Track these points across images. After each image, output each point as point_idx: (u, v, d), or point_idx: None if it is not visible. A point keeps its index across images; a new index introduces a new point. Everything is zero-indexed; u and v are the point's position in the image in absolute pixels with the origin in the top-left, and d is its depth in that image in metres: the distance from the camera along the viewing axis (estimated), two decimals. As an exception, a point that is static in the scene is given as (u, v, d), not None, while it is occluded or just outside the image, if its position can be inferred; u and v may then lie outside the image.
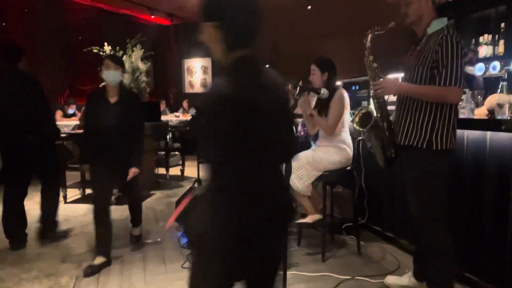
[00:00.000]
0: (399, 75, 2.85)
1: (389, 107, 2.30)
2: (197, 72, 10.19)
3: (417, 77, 2.02)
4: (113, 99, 2.85)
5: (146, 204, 4.52)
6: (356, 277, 2.54)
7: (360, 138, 3.27)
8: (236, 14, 1.10)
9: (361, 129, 2.25)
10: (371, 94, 2.21)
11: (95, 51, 5.16)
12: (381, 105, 2.21)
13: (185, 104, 9.21)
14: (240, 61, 1.15)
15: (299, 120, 4.09)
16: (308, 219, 2.90)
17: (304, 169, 2.76)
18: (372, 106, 3.35)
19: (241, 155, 1.13)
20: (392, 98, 2.50)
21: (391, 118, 2.25)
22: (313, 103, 3.16)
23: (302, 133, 3.95)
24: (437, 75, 1.93)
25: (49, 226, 3.32)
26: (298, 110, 3.09)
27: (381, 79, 2.13)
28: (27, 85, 3.03)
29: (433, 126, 1.99)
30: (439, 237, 2.04)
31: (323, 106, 2.92)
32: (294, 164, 2.72)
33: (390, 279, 2.44)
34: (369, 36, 2.18)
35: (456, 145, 2.06)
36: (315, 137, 3.22)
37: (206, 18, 1.13)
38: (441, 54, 1.90)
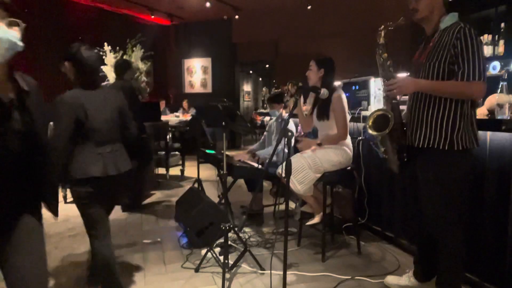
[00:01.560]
0: (402, 75, 2.83)
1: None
2: (197, 72, 10.19)
3: (432, 74, 1.90)
4: (5, 93, 1.32)
5: (146, 204, 4.53)
6: (356, 277, 2.54)
7: (360, 138, 3.27)
8: (79, 60, 2.13)
9: (376, 134, 2.06)
10: (384, 94, 2.09)
11: (95, 51, 5.16)
12: (394, 105, 2.08)
13: (185, 104, 9.22)
14: (84, 82, 2.14)
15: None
16: (316, 219, 2.91)
17: (305, 173, 2.76)
18: (372, 107, 3.38)
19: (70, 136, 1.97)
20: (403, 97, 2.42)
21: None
22: (309, 101, 3.16)
23: (302, 133, 3.95)
24: (457, 70, 1.82)
25: None
26: (297, 110, 3.09)
27: (395, 78, 2.01)
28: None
29: (453, 125, 1.87)
30: (452, 241, 1.99)
31: (321, 111, 2.91)
32: (295, 167, 2.71)
33: (390, 279, 2.44)
34: (382, 32, 2.06)
35: (478, 143, 1.94)
36: (315, 137, 3.22)
37: (66, 58, 2.17)
38: (460, 48, 1.80)
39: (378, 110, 2.13)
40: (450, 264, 2.04)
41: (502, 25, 4.18)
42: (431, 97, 1.94)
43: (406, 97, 2.22)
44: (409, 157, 2.11)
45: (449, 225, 1.99)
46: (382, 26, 2.07)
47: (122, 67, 4.20)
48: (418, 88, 1.96)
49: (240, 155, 3.88)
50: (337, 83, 3.14)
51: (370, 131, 2.10)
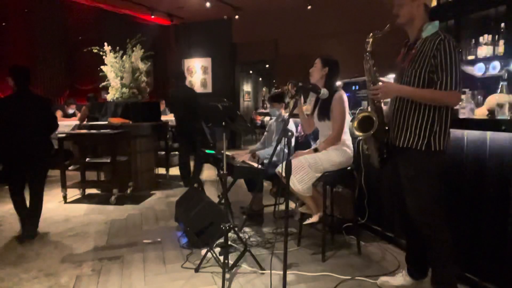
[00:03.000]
0: (388, 78, 2.86)
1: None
2: (197, 72, 10.20)
3: (414, 80, 2.02)
4: None
5: (146, 204, 4.53)
6: (356, 277, 2.54)
7: (360, 138, 3.27)
8: (15, 75, 3.30)
9: (362, 134, 2.19)
10: (369, 97, 2.20)
11: (95, 51, 5.16)
12: (378, 107, 2.20)
13: (185, 104, 9.19)
14: (16, 92, 3.29)
15: (299, 120, 4.10)
16: (314, 219, 2.90)
17: (305, 172, 2.75)
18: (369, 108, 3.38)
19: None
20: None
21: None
22: (311, 101, 3.16)
23: (302, 133, 3.95)
24: (437, 79, 1.94)
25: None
26: (298, 111, 3.09)
27: (380, 83, 2.11)
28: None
29: (431, 127, 2.01)
30: (440, 237, 2.05)
31: (322, 110, 2.92)
32: (295, 166, 2.71)
33: (384, 280, 2.42)
34: (371, 40, 2.17)
35: (448, 146, 2.08)
36: (315, 137, 3.22)
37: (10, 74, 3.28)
38: (439, 59, 1.92)
39: (362, 111, 2.24)
40: (442, 260, 2.07)
41: (502, 25, 4.17)
42: (412, 102, 2.06)
43: (388, 99, 2.33)
44: (390, 155, 2.24)
45: (434, 220, 2.05)
46: (371, 34, 2.17)
47: (182, 75, 5.57)
48: (401, 94, 2.09)
49: (240, 155, 3.88)
50: (337, 83, 3.14)
51: (355, 132, 2.22)
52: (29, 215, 3.39)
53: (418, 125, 2.04)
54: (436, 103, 1.99)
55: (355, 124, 2.20)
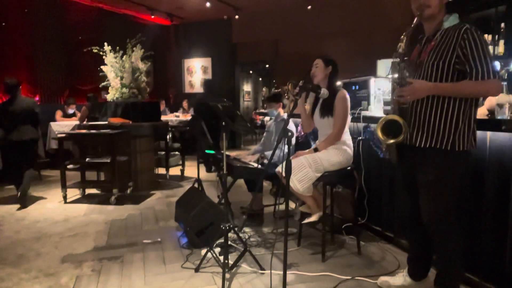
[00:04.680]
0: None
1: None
2: (197, 72, 10.20)
3: (436, 73, 1.90)
4: None
5: (146, 204, 4.53)
6: (356, 277, 2.53)
7: (360, 138, 3.27)
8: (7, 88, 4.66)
9: (391, 141, 1.99)
10: (395, 98, 2.01)
11: (95, 51, 5.16)
12: (403, 109, 2.03)
13: (185, 104, 9.22)
14: (12, 95, 4.65)
15: (299, 120, 4.10)
16: (314, 218, 2.89)
17: (305, 172, 2.75)
18: (372, 107, 3.38)
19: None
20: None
21: None
22: (310, 100, 3.16)
23: (302, 133, 3.95)
24: (469, 70, 1.82)
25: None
26: (300, 110, 3.10)
27: (408, 83, 1.94)
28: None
29: (456, 125, 1.89)
30: (451, 244, 1.99)
31: (325, 108, 2.92)
32: (294, 166, 2.71)
33: (383, 280, 2.41)
34: (404, 40, 2.00)
35: (476, 145, 1.96)
36: (315, 137, 3.22)
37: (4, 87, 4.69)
38: (470, 48, 1.81)
39: (389, 116, 2.06)
40: (450, 264, 2.04)
41: (502, 25, 4.18)
42: (433, 97, 1.93)
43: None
44: (405, 155, 2.12)
45: (449, 225, 1.99)
46: (404, 34, 2.02)
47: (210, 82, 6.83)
48: (434, 92, 1.91)
49: (242, 156, 3.88)
50: (337, 83, 3.14)
51: (380, 137, 2.04)
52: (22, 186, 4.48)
53: (442, 122, 1.90)
54: (474, 95, 1.87)
55: (379, 132, 2.04)
